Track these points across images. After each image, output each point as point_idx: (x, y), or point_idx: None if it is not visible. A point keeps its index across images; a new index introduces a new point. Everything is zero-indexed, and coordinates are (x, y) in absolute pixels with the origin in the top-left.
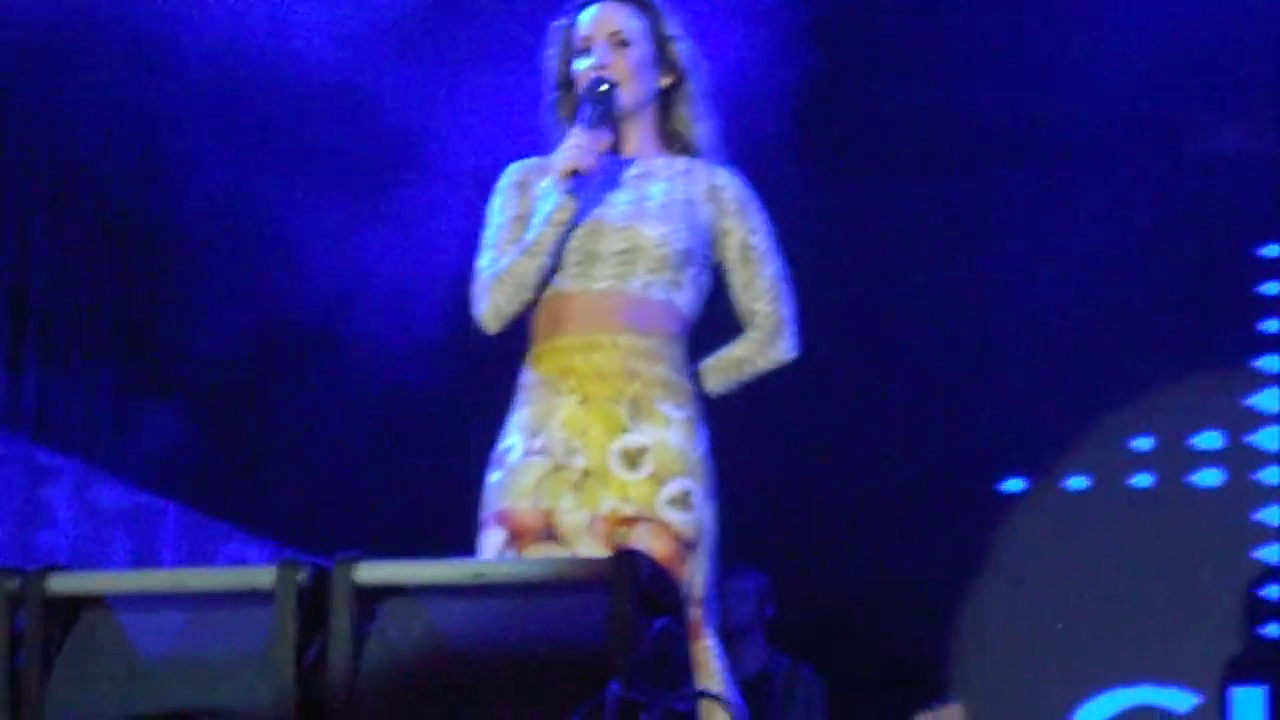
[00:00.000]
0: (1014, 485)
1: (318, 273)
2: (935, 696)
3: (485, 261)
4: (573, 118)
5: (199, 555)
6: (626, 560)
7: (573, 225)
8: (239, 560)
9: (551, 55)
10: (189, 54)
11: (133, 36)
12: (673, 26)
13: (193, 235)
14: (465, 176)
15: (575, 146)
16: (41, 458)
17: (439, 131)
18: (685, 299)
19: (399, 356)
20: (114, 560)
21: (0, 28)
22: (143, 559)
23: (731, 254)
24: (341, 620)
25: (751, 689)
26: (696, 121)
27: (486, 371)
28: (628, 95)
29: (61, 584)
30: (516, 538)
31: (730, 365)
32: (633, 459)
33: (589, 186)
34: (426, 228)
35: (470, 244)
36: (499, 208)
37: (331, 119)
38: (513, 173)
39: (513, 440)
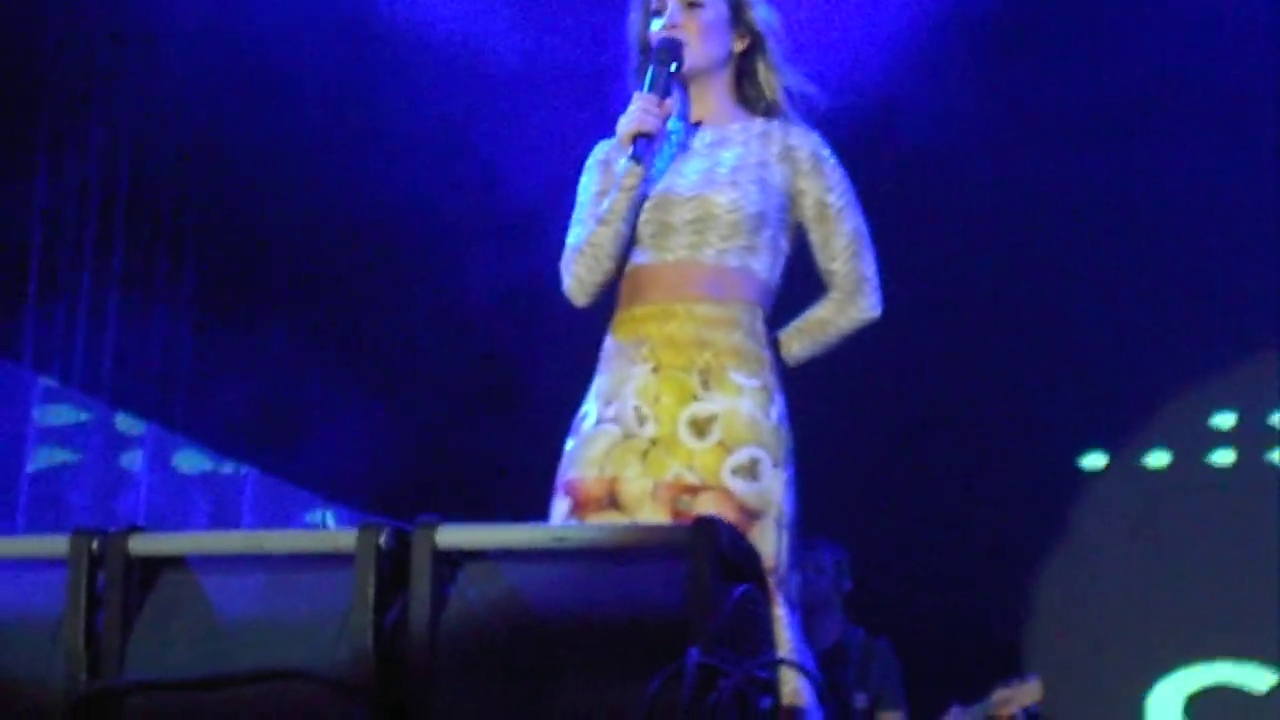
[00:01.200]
0: (1094, 461)
1: (398, 234)
2: (1012, 672)
3: (572, 237)
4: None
5: (278, 522)
6: (706, 527)
7: (645, 197)
8: (318, 529)
9: (633, 20)
10: None
11: None
12: None
13: (273, 205)
14: None
15: (639, 110)
16: (121, 423)
17: None
18: (762, 264)
19: (486, 320)
20: (194, 526)
21: None
22: (222, 526)
23: (808, 213)
24: (421, 583)
25: (828, 661)
26: (775, 83)
27: (573, 338)
28: (698, 55)
29: (141, 544)
30: (579, 507)
31: (813, 327)
32: (701, 427)
33: (663, 157)
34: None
35: None
36: (584, 185)
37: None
38: (598, 150)
39: (589, 408)
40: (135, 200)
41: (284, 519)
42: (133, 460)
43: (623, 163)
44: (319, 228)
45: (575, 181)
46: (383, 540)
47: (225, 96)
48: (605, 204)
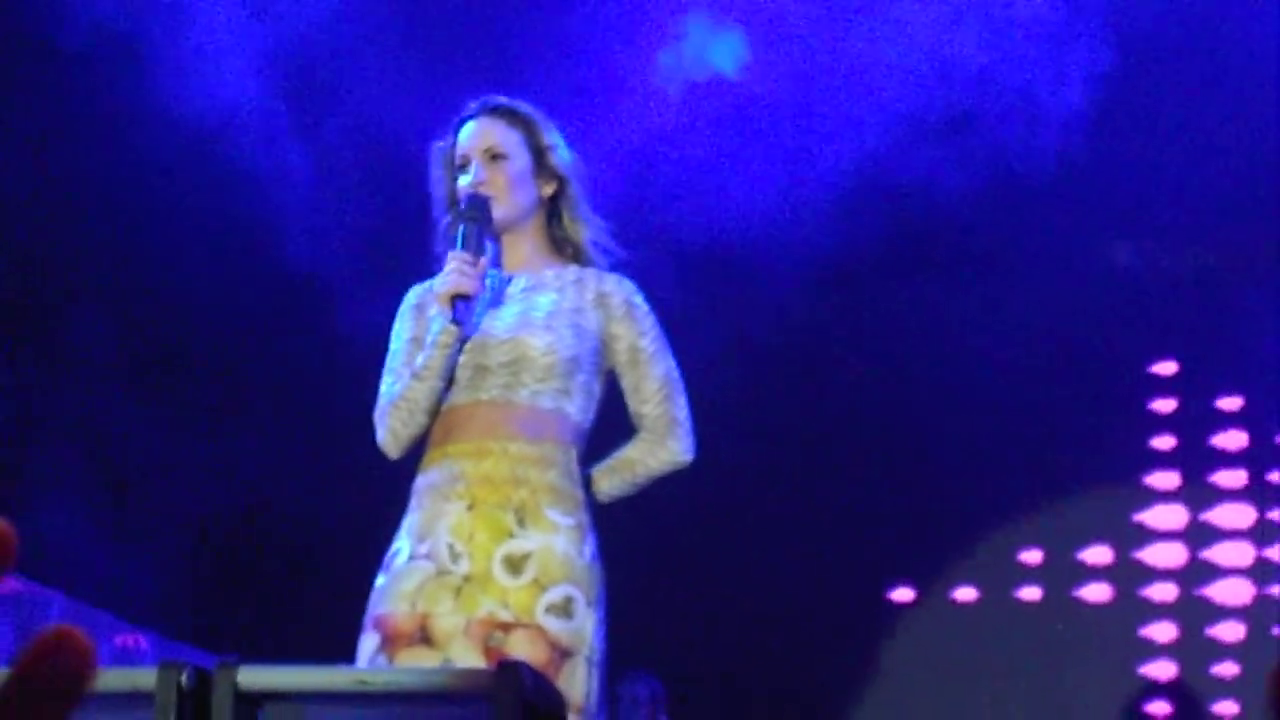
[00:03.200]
0: (902, 594)
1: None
2: None
3: (384, 386)
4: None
5: None
6: (510, 672)
7: (460, 352)
8: (124, 652)
9: (437, 178)
10: None
11: None
12: (548, 135)
13: (83, 319)
14: None
15: (455, 271)
16: None
17: None
18: (575, 406)
19: (294, 449)
20: None
21: None
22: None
23: (621, 358)
24: None
25: None
26: (581, 225)
27: (373, 477)
28: (508, 207)
29: None
30: (389, 642)
31: (624, 467)
32: (516, 565)
33: (479, 304)
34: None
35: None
36: (397, 332)
37: None
38: (412, 295)
39: (401, 544)
40: None
41: (93, 642)
42: None
43: (435, 320)
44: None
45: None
46: (184, 680)
47: None
48: (421, 359)
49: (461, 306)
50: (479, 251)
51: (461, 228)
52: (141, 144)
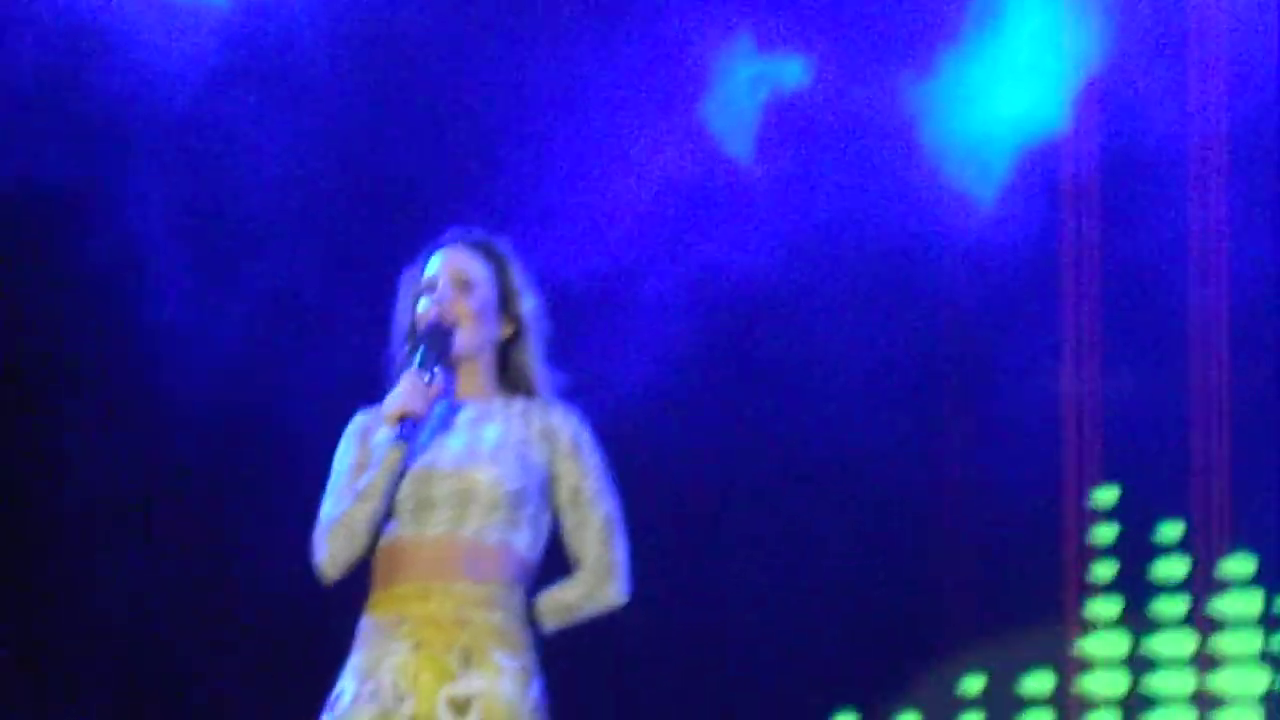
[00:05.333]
0: None
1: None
2: None
3: (326, 509)
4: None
5: None
6: None
7: (405, 471)
8: None
9: (403, 304)
10: None
11: None
12: (518, 278)
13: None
14: None
15: (407, 390)
16: None
17: None
18: (524, 540)
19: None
20: None
21: None
22: None
23: (563, 497)
24: None
25: None
26: (535, 372)
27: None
28: (467, 337)
29: None
30: None
31: (560, 608)
32: (460, 708)
33: (423, 433)
34: None
35: None
36: (341, 455)
37: None
38: (357, 420)
39: (345, 685)
40: None
41: None
42: None
43: (381, 436)
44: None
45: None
46: None
47: None
48: (364, 480)
49: (409, 426)
50: (433, 375)
51: (420, 349)
52: None
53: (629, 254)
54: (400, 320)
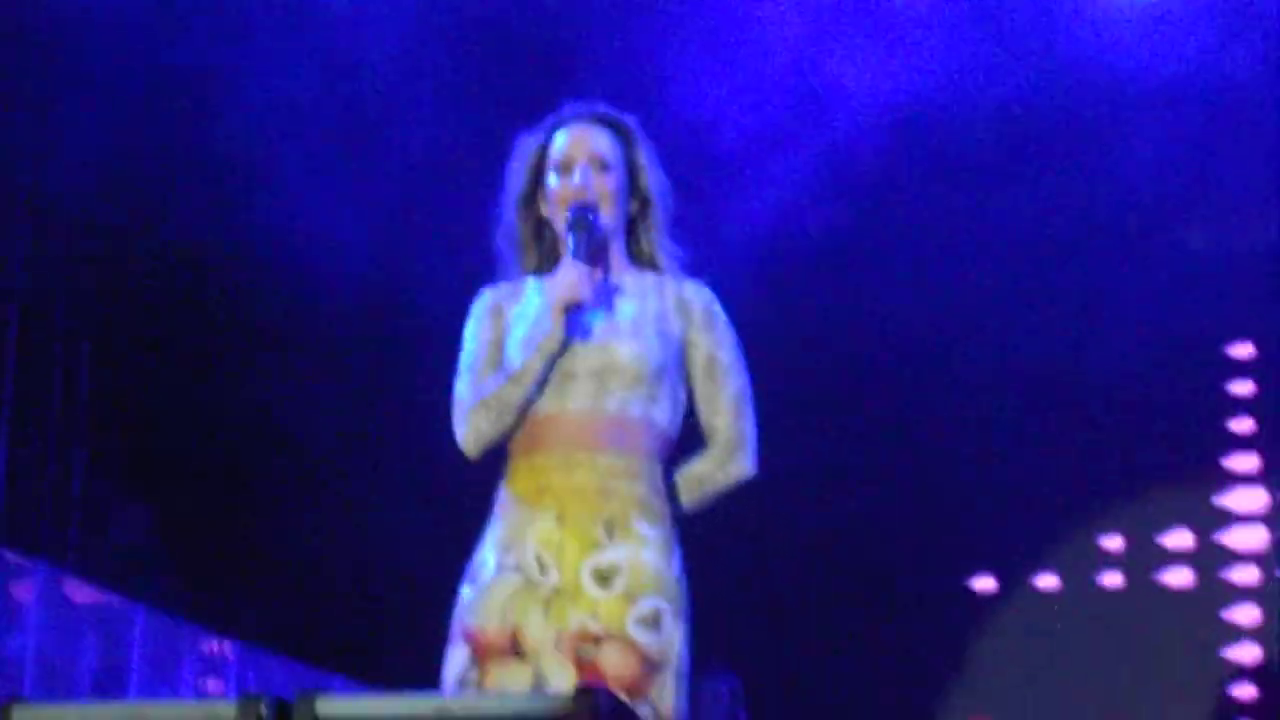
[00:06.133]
0: (984, 583)
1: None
2: None
3: (464, 386)
4: (534, 233)
5: (168, 657)
6: (587, 695)
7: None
8: (207, 664)
9: (518, 169)
10: None
11: None
12: (645, 153)
13: (164, 331)
14: None
15: (573, 280)
16: (10, 557)
17: None
18: (663, 414)
19: (371, 464)
20: (83, 662)
21: None
22: (112, 660)
23: (697, 367)
24: None
25: None
26: (662, 248)
27: (463, 488)
28: (606, 218)
29: (22, 716)
30: (480, 656)
31: (690, 482)
32: (605, 577)
33: (573, 319)
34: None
35: None
36: (474, 333)
37: None
38: (486, 298)
39: (486, 555)
40: (26, 328)
41: (175, 654)
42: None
43: (518, 323)
44: (220, 361)
45: None
46: (263, 711)
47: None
48: (519, 363)
49: (573, 314)
50: (591, 259)
51: (573, 236)
52: None
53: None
54: (512, 184)
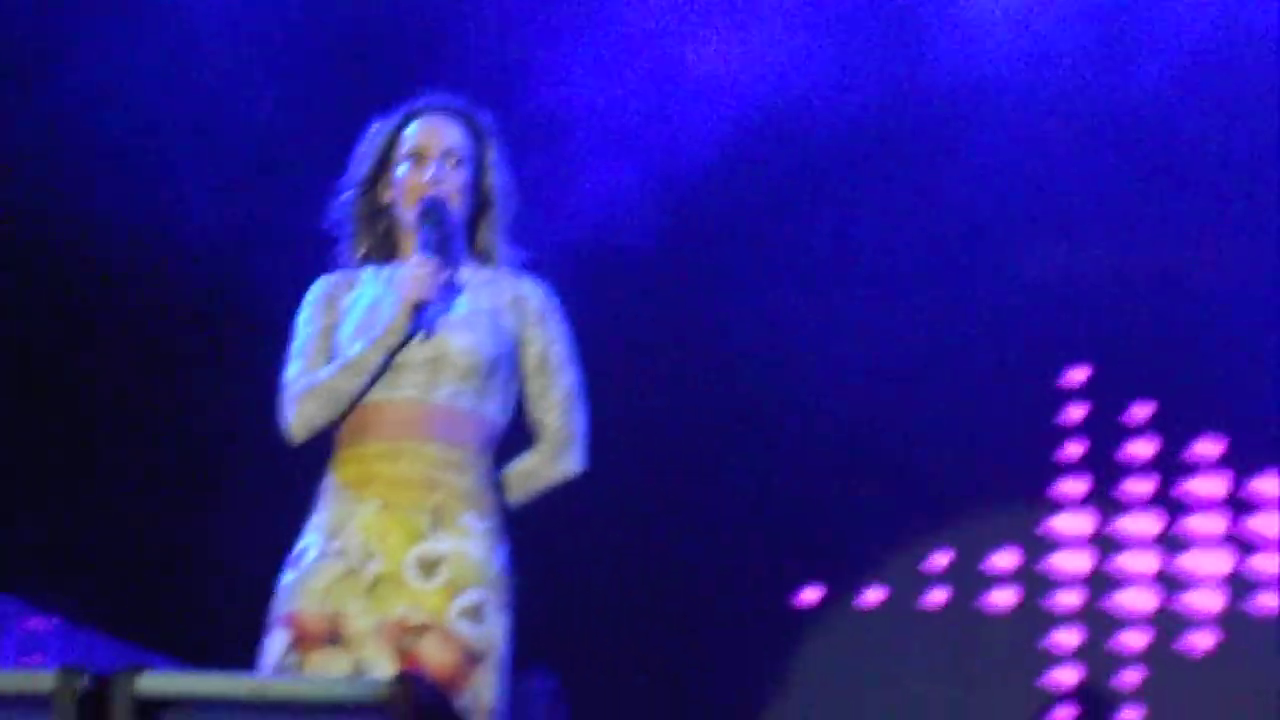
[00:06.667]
0: (809, 596)
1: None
2: None
3: (294, 372)
4: (370, 220)
5: None
6: (406, 682)
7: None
8: (30, 641)
9: (366, 153)
10: None
11: None
12: (495, 152)
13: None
14: None
15: (423, 277)
16: None
17: None
18: (493, 408)
19: (201, 447)
20: None
21: None
22: None
23: (530, 363)
24: None
25: None
26: (500, 247)
27: (295, 474)
28: (455, 213)
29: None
30: (299, 641)
31: (519, 478)
32: (429, 567)
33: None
34: None
35: None
36: (306, 319)
37: None
38: (320, 285)
39: (309, 541)
40: None
41: None
42: None
43: (351, 312)
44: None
45: None
46: (81, 685)
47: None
48: (356, 353)
49: (420, 313)
50: (441, 254)
51: (424, 231)
52: None
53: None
54: (357, 168)
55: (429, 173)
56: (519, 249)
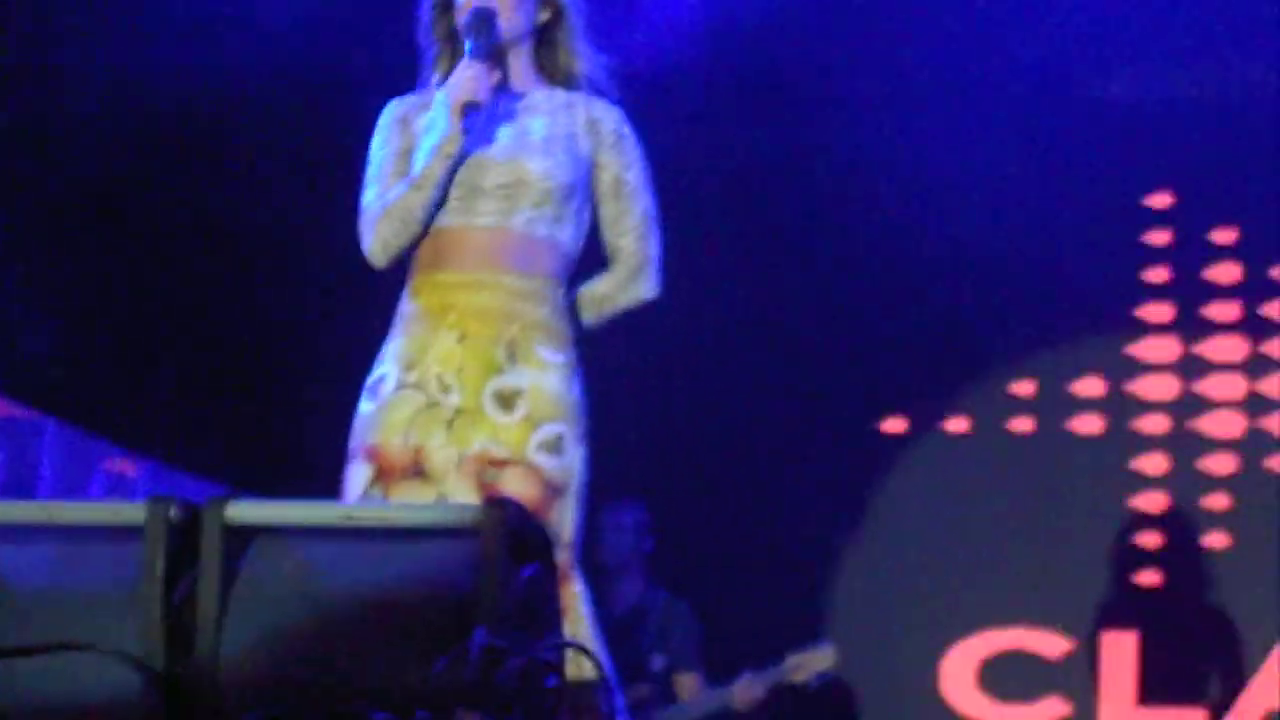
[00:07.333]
0: (894, 426)
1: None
2: (809, 637)
3: (371, 196)
4: (448, 41)
5: (79, 470)
6: (497, 507)
7: (459, 164)
8: (116, 479)
9: (426, 7)
10: None
11: None
12: None
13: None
14: None
15: (469, 79)
16: None
17: None
18: (568, 235)
19: (281, 278)
20: None
21: None
22: (19, 473)
23: (604, 187)
24: (211, 559)
25: (627, 623)
26: (576, 55)
27: (367, 300)
28: (506, 26)
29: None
30: (383, 474)
31: (593, 301)
32: (507, 401)
33: (471, 120)
34: None
35: None
36: (381, 143)
37: None
38: (393, 108)
39: (386, 369)
40: None
41: (86, 468)
42: None
43: (442, 129)
44: (129, 169)
45: None
46: (173, 514)
47: None
48: (421, 168)
49: (472, 115)
50: (489, 61)
51: (471, 39)
52: None
53: None
54: (425, 20)
55: None
56: (602, 55)
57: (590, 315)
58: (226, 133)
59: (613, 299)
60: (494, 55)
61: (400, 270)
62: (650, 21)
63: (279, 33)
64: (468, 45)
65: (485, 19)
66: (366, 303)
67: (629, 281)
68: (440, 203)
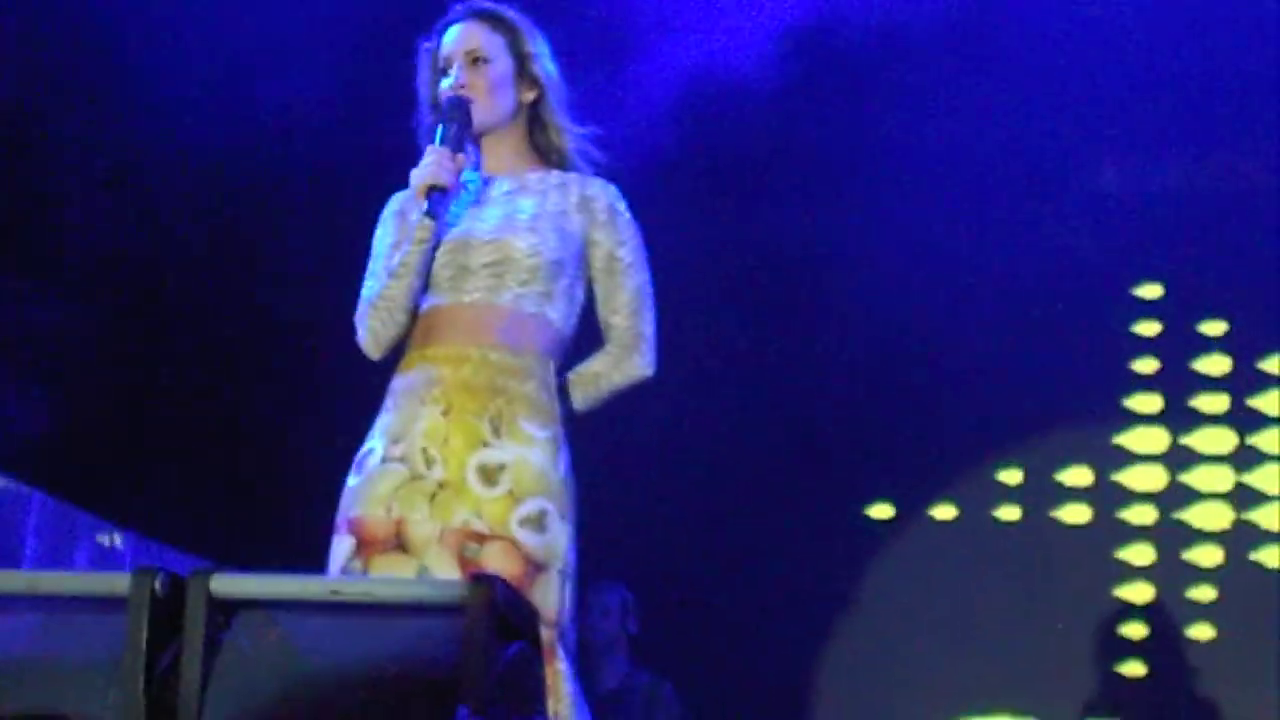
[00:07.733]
0: (881, 511)
1: (186, 265)
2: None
3: (366, 290)
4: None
5: (64, 542)
6: (483, 585)
7: (440, 242)
8: (102, 553)
9: (423, 77)
10: None
11: None
12: (532, 43)
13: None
14: None
15: (432, 163)
16: None
17: None
18: (558, 312)
19: (268, 349)
20: None
21: None
22: (4, 544)
23: (598, 264)
24: (195, 631)
25: (611, 704)
26: (562, 132)
27: (355, 378)
28: (487, 111)
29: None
30: (364, 546)
31: (588, 381)
32: (491, 475)
33: (461, 205)
34: None
35: None
36: (380, 237)
37: None
38: (393, 202)
39: (374, 444)
40: None
41: (70, 541)
42: None
43: (414, 215)
44: (123, 247)
45: None
46: (157, 585)
47: None
48: (397, 257)
49: (437, 199)
50: (457, 148)
51: (440, 126)
52: None
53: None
54: (422, 92)
55: (454, 78)
56: (588, 125)
57: (586, 394)
58: (225, 213)
59: (607, 377)
60: (461, 142)
61: (395, 355)
62: (634, 109)
63: (282, 124)
64: (437, 131)
65: (456, 106)
66: (357, 383)
67: (622, 359)
68: (422, 289)
